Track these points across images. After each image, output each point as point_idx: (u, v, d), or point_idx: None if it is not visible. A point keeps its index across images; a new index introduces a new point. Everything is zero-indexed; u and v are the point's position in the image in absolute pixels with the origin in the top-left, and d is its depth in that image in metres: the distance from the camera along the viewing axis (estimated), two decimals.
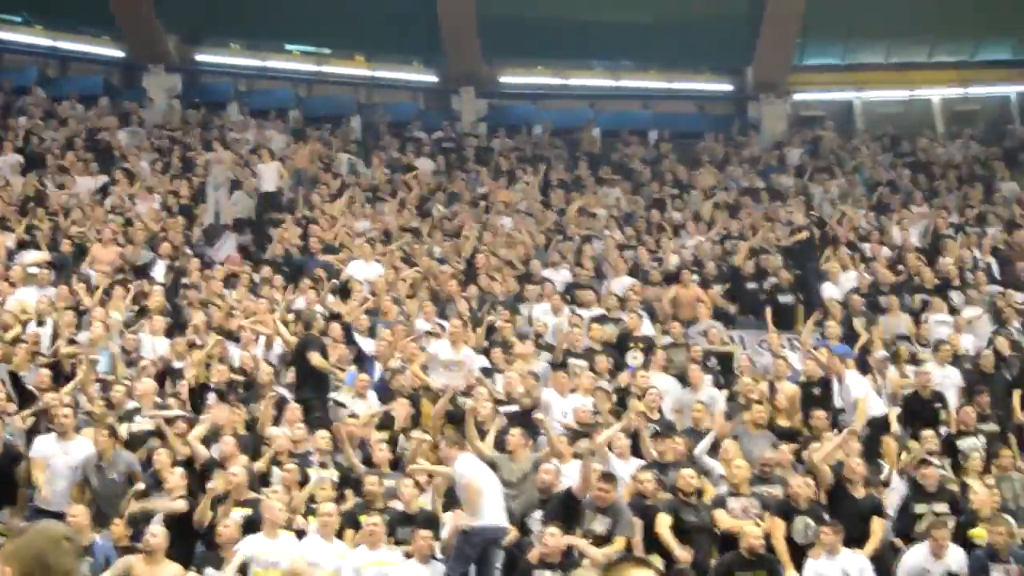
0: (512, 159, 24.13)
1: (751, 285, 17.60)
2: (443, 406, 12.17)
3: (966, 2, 26.42)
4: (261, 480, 10.76)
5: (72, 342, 13.44)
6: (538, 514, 10.22)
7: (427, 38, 27.14)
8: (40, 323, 13.92)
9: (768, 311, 16.69)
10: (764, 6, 25.77)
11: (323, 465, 11.11)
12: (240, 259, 17.48)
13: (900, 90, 29.12)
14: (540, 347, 14.68)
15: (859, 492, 10.70)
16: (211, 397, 12.44)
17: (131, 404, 12.04)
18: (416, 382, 13.15)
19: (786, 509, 10.35)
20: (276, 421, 11.92)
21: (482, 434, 11.26)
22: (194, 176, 20.84)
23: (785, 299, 17.03)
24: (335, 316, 14.50)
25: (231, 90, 27.59)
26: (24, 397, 12.04)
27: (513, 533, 10.07)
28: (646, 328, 15.76)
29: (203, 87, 27.92)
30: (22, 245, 16.74)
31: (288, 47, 28.69)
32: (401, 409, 12.34)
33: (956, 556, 9.82)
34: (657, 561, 9.73)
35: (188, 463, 10.77)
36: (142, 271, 16.44)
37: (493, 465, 10.69)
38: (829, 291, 17.14)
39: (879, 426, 12.90)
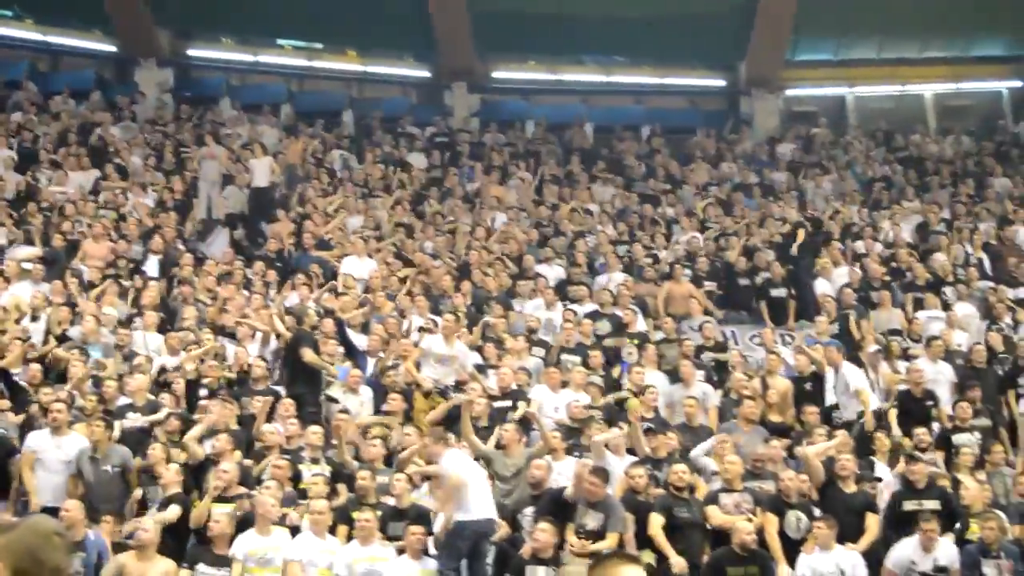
0: (505, 155, 24.12)
1: (743, 281, 17.62)
2: (442, 412, 12.13)
3: None
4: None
5: (65, 337, 13.43)
6: (530, 510, 10.23)
7: (419, 33, 27.11)
8: (34, 319, 13.91)
9: (763, 305, 16.75)
10: (757, 1, 25.79)
11: (314, 460, 11.10)
12: (233, 254, 17.48)
13: (892, 85, 29.17)
14: (533, 343, 14.68)
15: (850, 488, 10.72)
16: (203, 393, 12.44)
17: (123, 400, 12.03)
18: (409, 378, 13.14)
19: (778, 504, 10.38)
20: (269, 417, 11.91)
21: (478, 430, 11.27)
22: (186, 171, 20.80)
23: (777, 292, 17.04)
24: (328, 312, 14.50)
25: (223, 84, 27.51)
26: (15, 392, 12.02)
27: (505, 529, 10.08)
28: (640, 324, 15.78)
29: (195, 82, 27.87)
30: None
31: (280, 42, 28.65)
32: (394, 405, 12.35)
33: (945, 550, 9.85)
34: (648, 557, 9.77)
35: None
36: (135, 267, 16.41)
37: (487, 460, 10.71)
38: (822, 287, 17.17)
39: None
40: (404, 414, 12.46)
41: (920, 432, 12.29)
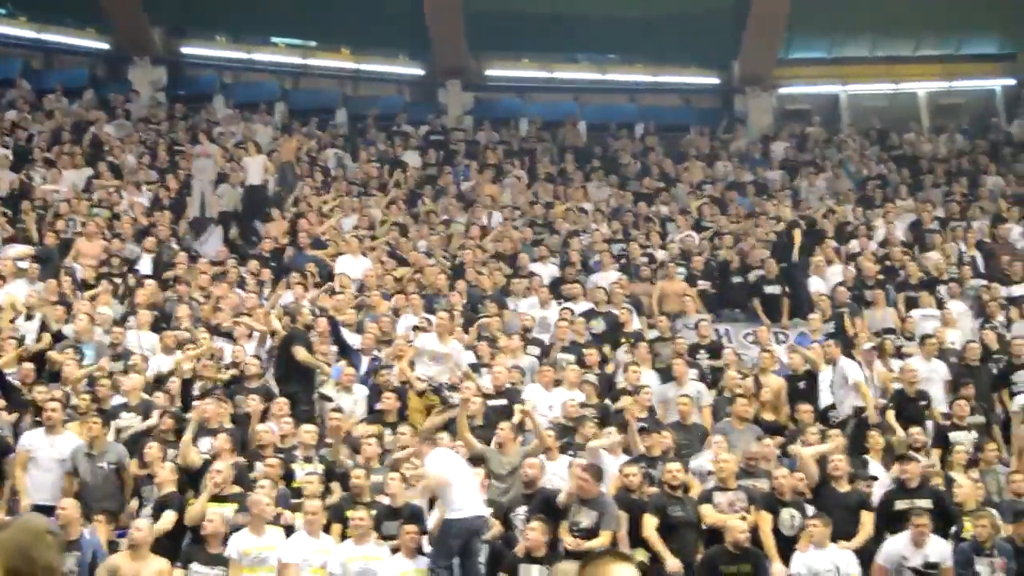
0: (499, 153, 24.11)
1: (737, 279, 17.62)
2: (440, 422, 12.11)
3: None
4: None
5: (60, 336, 13.40)
6: (522, 509, 10.23)
7: (413, 31, 27.06)
8: (28, 317, 13.89)
9: (757, 303, 16.76)
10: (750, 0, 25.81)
11: (307, 459, 11.09)
12: (227, 253, 17.45)
13: (886, 84, 29.20)
14: (527, 342, 14.67)
15: (843, 487, 10.73)
16: (196, 393, 12.42)
17: (117, 399, 12.01)
18: (403, 377, 13.13)
19: (772, 502, 10.39)
20: (263, 416, 11.90)
21: (473, 429, 11.26)
22: (180, 170, 20.77)
23: (771, 289, 17.05)
24: (323, 311, 14.48)
25: (217, 82, 27.48)
26: (7, 392, 12.00)
27: (497, 527, 10.08)
28: (635, 323, 15.78)
29: (189, 80, 27.80)
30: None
31: (274, 40, 28.59)
32: (388, 404, 12.35)
33: (936, 546, 9.85)
34: (641, 555, 9.77)
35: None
36: (129, 265, 16.38)
37: (482, 459, 10.71)
38: (816, 285, 17.18)
39: (864, 419, 12.91)
40: (398, 413, 12.45)
41: (915, 431, 12.30)
